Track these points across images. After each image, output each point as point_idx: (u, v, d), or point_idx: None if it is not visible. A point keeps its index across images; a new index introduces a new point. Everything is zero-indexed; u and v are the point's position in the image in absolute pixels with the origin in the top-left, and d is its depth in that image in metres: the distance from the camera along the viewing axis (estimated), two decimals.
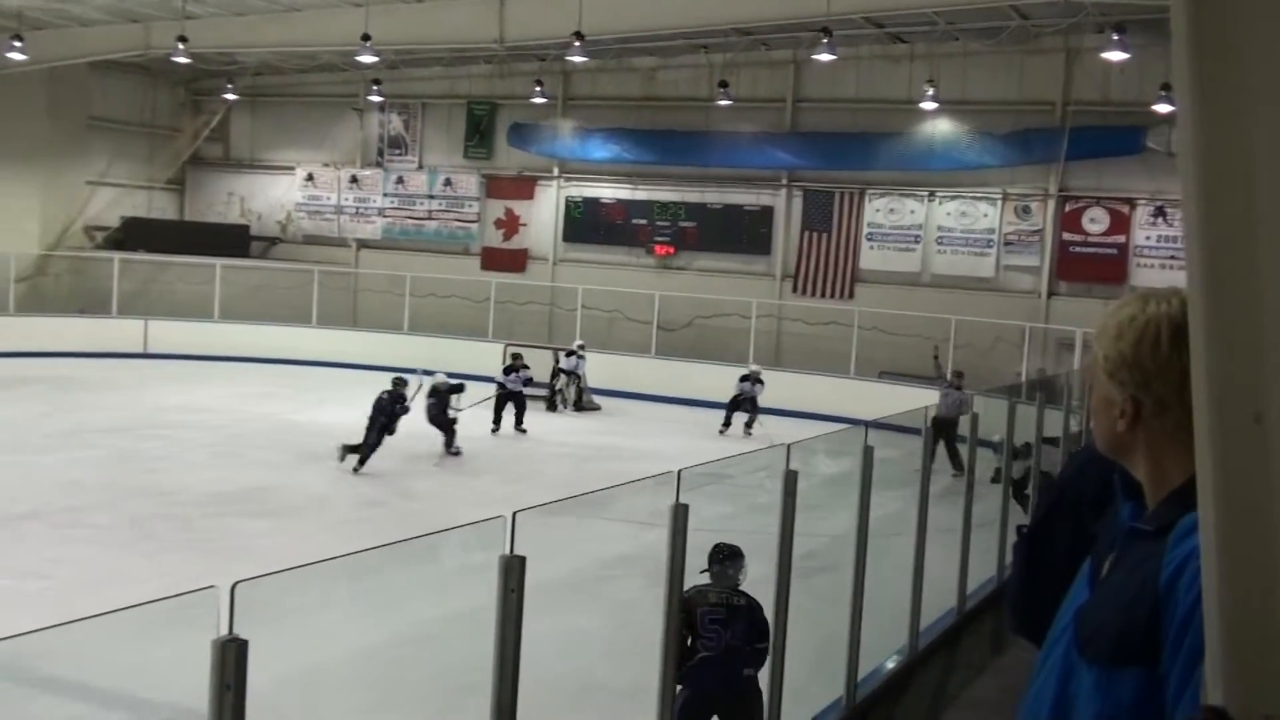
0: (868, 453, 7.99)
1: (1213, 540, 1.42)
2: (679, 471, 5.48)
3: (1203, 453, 1.41)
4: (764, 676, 6.84)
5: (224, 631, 3.22)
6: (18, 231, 29.56)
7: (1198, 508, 1.45)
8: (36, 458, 17.06)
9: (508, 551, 4.31)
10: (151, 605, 3.41)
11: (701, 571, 6.87)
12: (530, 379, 22.47)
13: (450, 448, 19.18)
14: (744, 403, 23.31)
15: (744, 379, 23.46)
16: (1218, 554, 1.42)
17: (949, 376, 21.21)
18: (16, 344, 26.48)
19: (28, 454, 17.26)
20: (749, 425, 23.11)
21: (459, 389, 19.69)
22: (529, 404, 22.63)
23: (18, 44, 25.93)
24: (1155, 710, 1.63)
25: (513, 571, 4.30)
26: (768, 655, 6.85)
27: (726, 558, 6.97)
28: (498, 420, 21.79)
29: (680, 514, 5.50)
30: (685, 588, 6.79)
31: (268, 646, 3.48)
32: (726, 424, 23.18)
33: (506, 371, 22.30)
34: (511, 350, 23.64)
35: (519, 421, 21.89)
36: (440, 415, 19.22)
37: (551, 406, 25.10)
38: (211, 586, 3.13)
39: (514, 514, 4.33)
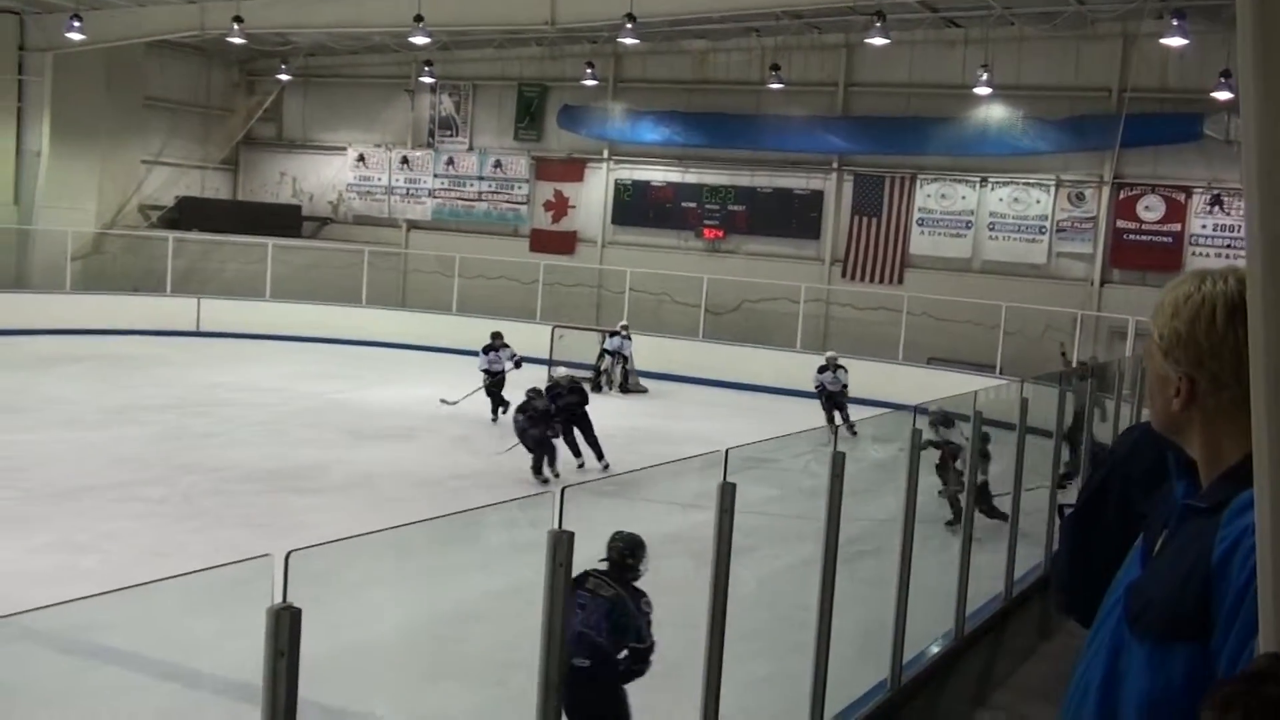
0: (915, 437, 7.97)
1: (1268, 517, 1.42)
2: (726, 451, 5.47)
3: (1259, 430, 1.41)
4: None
5: (278, 600, 3.27)
6: (75, 210, 29.97)
7: (1253, 485, 1.45)
8: (90, 433, 17.32)
9: (556, 527, 4.35)
10: (205, 575, 3.47)
11: (600, 560, 6.74)
12: (515, 357, 20.74)
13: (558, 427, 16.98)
14: (829, 395, 20.93)
15: (821, 370, 21.34)
16: (1272, 531, 1.41)
17: (1076, 365, 21.10)
18: (72, 321, 26.92)
19: (82, 430, 17.54)
20: (846, 422, 19.98)
21: (572, 390, 17.80)
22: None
23: (77, 24, 26.30)
24: (1206, 686, 1.62)
25: (561, 546, 4.34)
26: (627, 663, 6.50)
27: (625, 548, 6.69)
28: (496, 408, 20.20)
29: (727, 492, 5.50)
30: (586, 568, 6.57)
31: (319, 617, 3.53)
32: (830, 420, 20.26)
33: (485, 351, 20.70)
34: (493, 330, 21.72)
35: (504, 409, 19.57)
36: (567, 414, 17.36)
37: (596, 387, 25.08)
38: (267, 555, 3.19)
39: (562, 490, 4.37)
